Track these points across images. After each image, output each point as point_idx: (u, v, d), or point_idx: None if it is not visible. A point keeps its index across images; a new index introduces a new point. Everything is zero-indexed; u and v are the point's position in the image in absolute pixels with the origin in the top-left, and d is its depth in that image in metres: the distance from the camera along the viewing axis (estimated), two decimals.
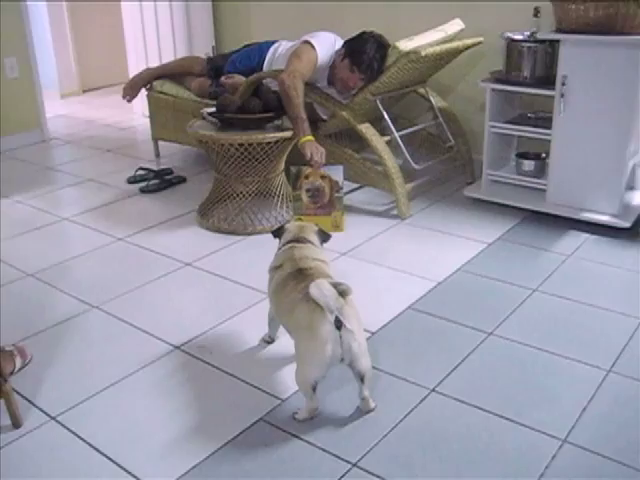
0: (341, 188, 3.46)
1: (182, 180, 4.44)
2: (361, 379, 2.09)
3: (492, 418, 2.15)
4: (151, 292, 3.01)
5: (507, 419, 2.14)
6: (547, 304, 2.84)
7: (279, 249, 2.41)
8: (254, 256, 3.34)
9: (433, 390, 2.29)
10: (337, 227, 3.49)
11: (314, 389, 2.06)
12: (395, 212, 3.79)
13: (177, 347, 2.58)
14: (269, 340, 2.55)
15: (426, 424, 2.13)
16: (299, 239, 2.37)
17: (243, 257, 3.34)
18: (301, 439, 2.07)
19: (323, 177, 3.44)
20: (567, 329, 2.64)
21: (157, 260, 3.32)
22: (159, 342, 2.61)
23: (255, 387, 2.33)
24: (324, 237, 2.45)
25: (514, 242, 3.42)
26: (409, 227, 3.65)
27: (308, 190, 3.45)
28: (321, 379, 2.05)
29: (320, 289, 1.98)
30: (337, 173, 3.46)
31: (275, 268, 2.33)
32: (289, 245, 2.35)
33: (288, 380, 2.33)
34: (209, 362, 2.48)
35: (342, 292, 2.00)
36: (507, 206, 3.76)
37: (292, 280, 2.18)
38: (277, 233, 2.48)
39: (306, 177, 3.45)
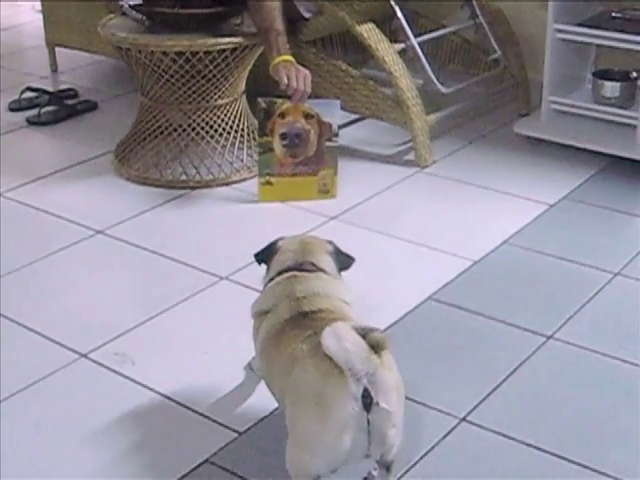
0: (336, 134, 3.45)
1: (91, 107, 4.42)
2: (387, 468, 1.98)
3: (555, 463, 2.17)
4: (45, 274, 3.00)
5: (577, 464, 2.17)
6: (634, 294, 2.86)
7: (268, 281, 2.27)
8: (198, 220, 3.35)
9: (464, 419, 2.31)
10: (326, 192, 3.49)
11: None
12: (411, 157, 3.80)
13: (83, 355, 2.58)
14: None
15: (452, 467, 2.15)
16: (302, 265, 2.23)
17: (182, 222, 3.35)
18: None
19: (308, 116, 3.39)
20: None
21: (54, 226, 3.31)
22: (56, 347, 2.61)
23: (199, 414, 2.34)
24: (343, 261, 2.30)
25: (587, 203, 3.45)
26: (432, 179, 3.66)
27: (283, 136, 3.37)
28: (329, 475, 1.92)
29: (339, 338, 1.80)
30: (330, 111, 3.41)
31: (263, 313, 2.20)
32: (287, 275, 2.21)
33: (249, 404, 2.35)
34: (130, 377, 2.48)
35: (376, 344, 1.82)
36: (579, 149, 3.78)
37: (291, 329, 2.06)
38: (264, 255, 2.33)
39: (281, 116, 3.38)
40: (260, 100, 3.39)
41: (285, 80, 3.30)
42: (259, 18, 3.46)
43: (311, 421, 1.86)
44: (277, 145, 3.40)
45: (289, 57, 3.38)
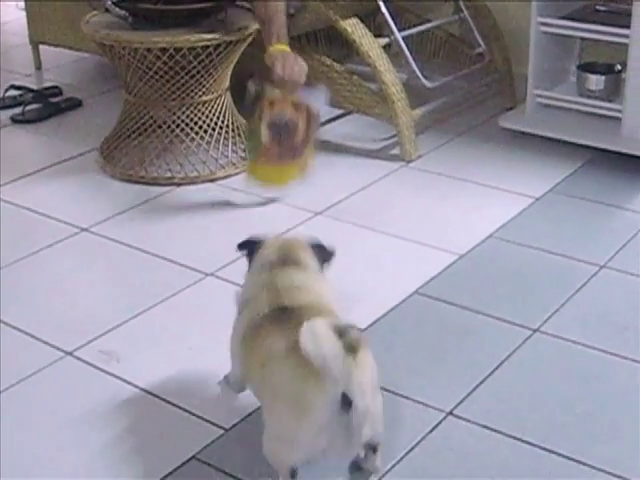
0: (322, 123, 3.47)
1: (75, 104, 4.42)
2: (372, 449, 2.01)
3: (541, 455, 2.18)
4: (29, 272, 3.00)
5: (564, 457, 2.17)
6: (620, 287, 2.87)
7: (252, 274, 2.27)
8: (184, 217, 3.35)
9: (450, 413, 2.31)
10: (305, 168, 3.43)
11: (294, 475, 1.97)
12: (396, 151, 3.80)
13: (68, 353, 2.57)
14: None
15: (438, 462, 2.15)
16: (284, 260, 2.22)
17: (167, 218, 3.35)
18: None
19: (297, 106, 3.31)
20: None
21: (38, 224, 3.31)
22: (41, 345, 2.61)
23: (184, 410, 2.34)
24: (324, 255, 2.30)
25: (573, 196, 3.45)
26: (417, 174, 3.67)
27: (272, 125, 3.31)
28: (305, 464, 1.97)
29: (316, 339, 1.79)
30: (318, 99, 3.34)
31: (244, 303, 2.21)
32: (269, 267, 2.21)
33: (235, 400, 2.35)
34: (115, 374, 2.48)
35: (350, 346, 1.80)
36: (564, 142, 3.78)
37: (270, 323, 2.06)
38: (247, 247, 2.33)
39: (270, 104, 3.31)
40: (250, 83, 3.38)
41: (279, 69, 3.23)
42: (263, 6, 3.41)
43: (288, 419, 1.88)
44: (264, 133, 3.33)
45: (286, 46, 3.35)
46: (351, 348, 1.80)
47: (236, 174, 3.62)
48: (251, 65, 3.62)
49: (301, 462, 1.96)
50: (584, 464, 2.13)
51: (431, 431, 2.25)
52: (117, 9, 3.66)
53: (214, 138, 3.68)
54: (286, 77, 3.24)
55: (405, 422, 2.28)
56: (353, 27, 3.74)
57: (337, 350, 1.78)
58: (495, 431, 2.24)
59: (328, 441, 1.86)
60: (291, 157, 3.38)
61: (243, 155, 3.68)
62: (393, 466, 2.13)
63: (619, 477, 2.09)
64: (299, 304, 2.09)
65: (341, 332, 1.81)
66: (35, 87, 4.55)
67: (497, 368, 2.48)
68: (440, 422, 2.28)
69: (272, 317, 2.06)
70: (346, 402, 1.81)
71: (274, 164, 3.38)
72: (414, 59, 3.83)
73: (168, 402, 2.37)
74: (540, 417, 2.30)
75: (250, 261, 2.30)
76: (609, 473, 2.10)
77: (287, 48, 3.34)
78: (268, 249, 2.26)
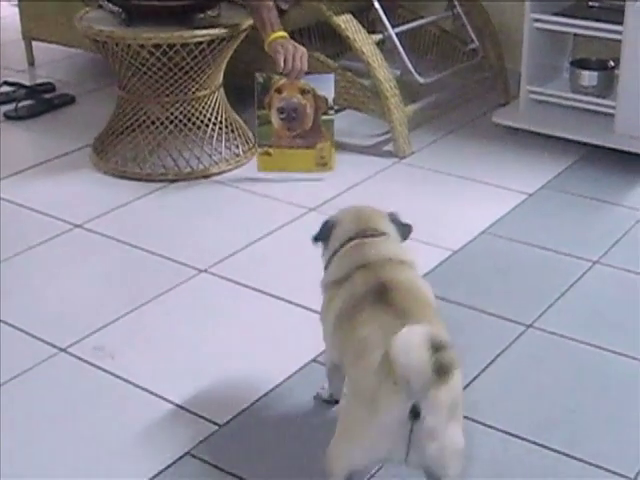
0: (331, 107, 3.50)
1: (69, 100, 4.41)
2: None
3: (533, 450, 2.18)
4: (23, 268, 3.00)
5: (556, 452, 2.17)
6: (613, 283, 2.88)
7: (332, 254, 2.18)
8: (177, 213, 3.35)
9: None
10: (324, 165, 3.55)
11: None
12: (390, 148, 3.81)
13: (62, 349, 2.57)
14: (330, 399, 2.34)
15: None
16: (365, 231, 2.15)
17: (161, 215, 3.35)
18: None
19: (304, 92, 3.46)
20: None
21: (32, 220, 3.31)
22: (35, 342, 2.61)
23: (179, 406, 2.34)
24: (403, 227, 2.23)
25: (566, 192, 3.46)
26: (410, 170, 3.67)
27: (281, 110, 3.47)
28: (362, 471, 1.92)
29: (408, 351, 1.70)
30: (326, 85, 3.47)
31: (336, 283, 2.12)
32: (353, 243, 2.13)
33: (229, 396, 2.36)
34: (109, 370, 2.48)
35: (440, 366, 1.71)
36: (557, 138, 3.79)
37: (370, 304, 1.97)
38: (321, 234, 2.22)
39: (278, 91, 3.46)
40: (257, 75, 3.47)
41: (282, 62, 3.36)
42: None
43: (361, 415, 1.82)
44: (275, 118, 3.50)
45: (283, 33, 3.43)
46: (440, 369, 1.71)
47: (229, 170, 3.63)
48: (252, 60, 3.64)
49: (361, 465, 1.89)
50: (576, 459, 2.14)
51: None
52: (110, 5, 3.67)
53: (207, 134, 3.67)
54: (289, 67, 3.36)
55: None
56: (347, 23, 3.74)
57: (424, 368, 1.69)
58: (487, 426, 2.25)
59: (390, 446, 1.80)
60: (304, 142, 3.51)
61: (237, 151, 3.69)
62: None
63: (611, 472, 2.10)
64: (397, 280, 2.03)
65: (437, 348, 1.70)
66: (28, 83, 4.54)
67: (491, 363, 2.49)
68: None
69: (372, 297, 1.98)
70: (415, 413, 1.74)
71: (286, 147, 3.51)
72: (407, 55, 3.84)
73: (162, 398, 2.37)
74: (532, 412, 2.31)
75: (325, 243, 2.22)
76: (601, 467, 2.11)
77: (284, 34, 3.44)
78: (344, 225, 2.18)
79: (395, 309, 1.93)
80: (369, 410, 1.79)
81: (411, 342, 1.71)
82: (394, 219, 2.23)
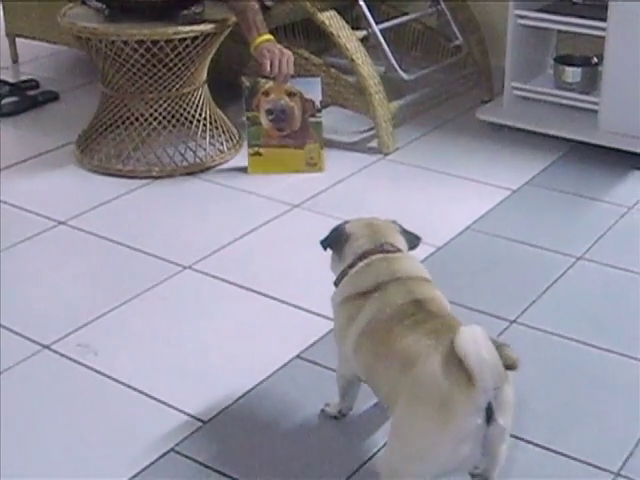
0: (319, 110, 3.53)
1: (53, 97, 4.40)
2: None
3: (516, 445, 2.18)
4: (6, 265, 2.99)
5: (540, 447, 2.19)
6: (597, 278, 2.89)
7: (348, 267, 2.14)
8: (161, 210, 3.35)
9: None
10: (314, 165, 3.58)
11: None
12: (374, 144, 3.81)
13: (45, 346, 2.57)
14: (339, 415, 2.29)
15: None
16: (383, 246, 2.13)
17: (144, 211, 3.34)
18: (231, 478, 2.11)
19: (291, 94, 3.51)
20: (628, 315, 2.69)
21: (15, 217, 3.30)
22: (18, 339, 2.60)
23: (163, 403, 2.34)
24: (412, 239, 2.23)
25: (550, 188, 3.47)
26: (395, 166, 3.68)
27: (270, 112, 3.53)
28: None
29: (476, 343, 1.69)
30: (313, 89, 3.51)
31: (361, 295, 2.07)
32: (375, 257, 2.10)
33: (213, 393, 2.36)
34: (93, 367, 2.48)
35: (509, 364, 1.71)
36: (541, 135, 3.80)
37: (405, 317, 1.95)
38: (331, 241, 2.20)
39: (265, 94, 3.51)
40: (244, 79, 3.52)
41: (268, 67, 3.40)
42: None
43: (431, 426, 1.75)
44: (264, 119, 3.55)
45: (269, 36, 3.45)
46: (509, 364, 1.71)
47: (214, 166, 3.63)
48: (236, 56, 3.65)
49: (434, 477, 1.80)
50: (559, 453, 2.15)
51: None
52: (94, 1, 3.67)
53: (192, 131, 3.67)
54: (276, 71, 3.40)
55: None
56: (330, 20, 3.74)
57: (498, 362, 1.68)
58: None
59: (468, 452, 1.74)
60: (293, 142, 3.55)
61: (221, 148, 3.69)
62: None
63: (594, 466, 2.11)
64: (430, 297, 2.02)
65: (498, 346, 1.71)
66: (12, 80, 4.53)
67: None
68: None
69: (405, 310, 1.97)
70: (489, 415, 1.71)
71: (276, 146, 3.55)
72: (392, 52, 3.84)
73: (146, 395, 2.37)
74: (516, 407, 2.30)
75: (339, 254, 2.19)
76: (584, 462, 2.12)
77: (270, 37, 3.46)
78: (360, 239, 2.15)
79: (436, 321, 1.92)
80: (442, 416, 1.72)
81: (479, 338, 1.69)
82: (403, 230, 2.22)
